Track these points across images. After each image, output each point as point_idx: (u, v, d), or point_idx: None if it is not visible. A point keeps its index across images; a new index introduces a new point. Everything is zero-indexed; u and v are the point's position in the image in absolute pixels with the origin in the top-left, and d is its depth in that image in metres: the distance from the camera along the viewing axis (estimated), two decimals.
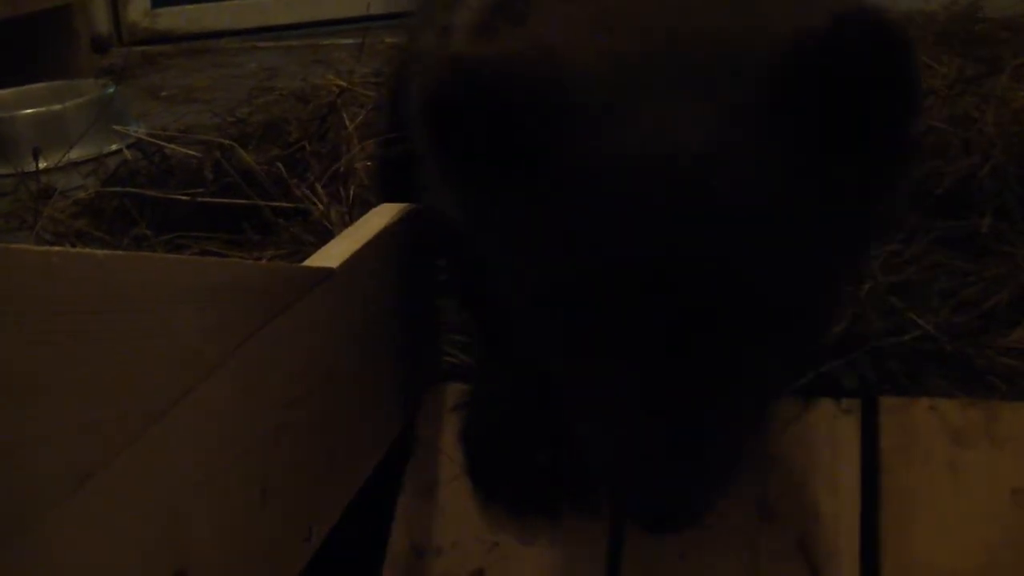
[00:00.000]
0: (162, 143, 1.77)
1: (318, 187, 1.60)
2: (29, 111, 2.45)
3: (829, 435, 1.09)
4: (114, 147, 2.20)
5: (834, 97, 0.76)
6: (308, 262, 1.04)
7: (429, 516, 1.14)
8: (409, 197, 1.24)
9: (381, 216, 1.17)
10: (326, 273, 1.02)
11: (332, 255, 1.06)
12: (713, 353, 0.77)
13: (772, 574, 1.05)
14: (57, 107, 2.42)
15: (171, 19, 4.03)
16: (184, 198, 1.61)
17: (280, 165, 1.63)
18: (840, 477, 1.08)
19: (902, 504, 1.05)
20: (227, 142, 1.69)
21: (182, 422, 0.79)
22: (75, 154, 2.18)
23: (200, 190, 1.62)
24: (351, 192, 1.55)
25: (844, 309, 1.07)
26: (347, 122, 1.77)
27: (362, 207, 1.48)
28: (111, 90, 2.58)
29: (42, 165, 2.01)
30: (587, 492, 1.10)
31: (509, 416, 1.12)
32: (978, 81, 1.60)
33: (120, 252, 0.78)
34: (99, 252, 0.69)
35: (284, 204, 1.58)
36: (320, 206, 1.54)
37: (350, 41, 3.30)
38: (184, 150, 1.73)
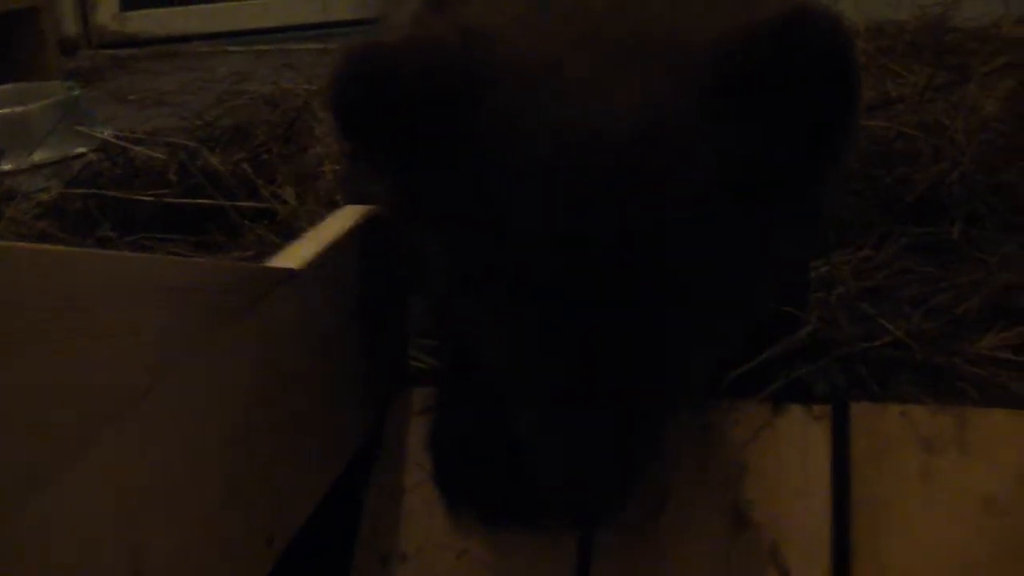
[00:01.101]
0: (127, 144, 1.74)
1: (288, 188, 1.58)
2: None
3: (800, 441, 1.08)
4: (79, 150, 2.17)
5: (770, 88, 0.76)
6: (270, 263, 1.03)
7: (395, 522, 1.12)
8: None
9: (345, 218, 1.16)
10: (288, 274, 1.00)
11: (295, 256, 1.04)
12: (631, 334, 0.77)
13: None
14: (21, 109, 2.38)
15: (140, 22, 4.00)
16: (148, 199, 1.59)
17: (246, 166, 1.61)
18: (811, 484, 1.06)
19: (873, 511, 1.04)
20: (192, 144, 1.66)
21: (141, 424, 0.77)
22: (39, 156, 2.16)
23: (165, 191, 1.60)
24: (319, 193, 1.53)
25: (770, 304, 1.07)
26: (315, 125, 1.75)
27: (330, 208, 1.46)
28: (76, 92, 2.55)
29: (6, 167, 1.98)
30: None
31: (477, 421, 1.11)
32: (948, 89, 1.60)
33: (79, 249, 0.77)
34: (58, 248, 0.67)
35: (249, 204, 1.56)
36: (288, 205, 1.52)
37: (321, 46, 3.28)
38: (149, 152, 1.71)
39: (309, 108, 1.84)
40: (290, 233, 1.47)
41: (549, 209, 0.76)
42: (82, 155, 2.02)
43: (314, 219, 1.49)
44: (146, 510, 0.78)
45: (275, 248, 1.41)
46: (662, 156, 0.76)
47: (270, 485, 0.96)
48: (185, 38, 3.90)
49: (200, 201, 1.59)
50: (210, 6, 4.05)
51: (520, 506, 1.08)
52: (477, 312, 0.86)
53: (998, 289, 1.28)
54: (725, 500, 1.07)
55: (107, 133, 1.92)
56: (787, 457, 1.08)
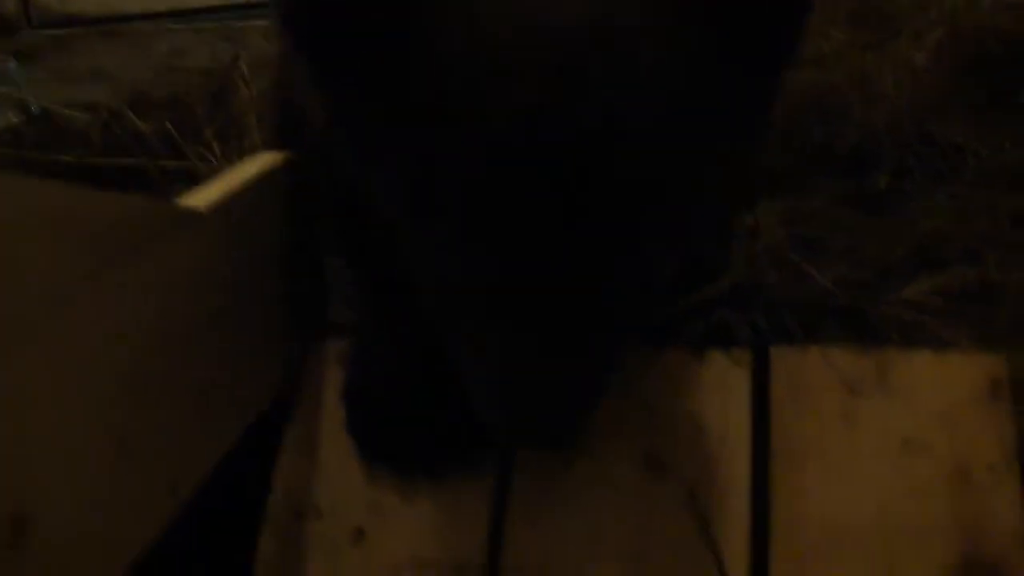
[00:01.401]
0: (48, 105, 1.70)
1: (214, 144, 1.55)
2: None
3: (719, 386, 1.06)
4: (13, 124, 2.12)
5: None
6: (175, 204, 1.00)
7: (309, 476, 1.10)
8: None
9: (258, 163, 1.13)
10: (193, 215, 0.97)
11: (201, 197, 1.01)
12: (589, 238, 0.75)
13: (661, 527, 1.01)
14: None
15: (82, 2, 3.93)
16: (69, 160, 1.55)
17: (170, 125, 1.58)
18: (730, 428, 1.05)
19: (793, 455, 1.03)
20: (116, 104, 1.63)
21: (28, 359, 0.74)
22: None
23: (85, 151, 1.56)
24: (245, 151, 1.50)
25: (706, 234, 1.05)
26: (244, 87, 1.72)
27: None
28: (12, 65, 2.50)
29: None
30: (470, 449, 1.06)
31: (391, 373, 1.08)
32: (879, 44, 1.59)
33: None
34: None
35: (172, 163, 1.52)
36: (211, 163, 1.49)
37: (264, 24, 3.23)
38: (71, 113, 1.67)
39: (237, 66, 1.80)
40: None
41: (503, 106, 0.73)
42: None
43: None
44: (34, 451, 0.75)
45: None
46: (612, 54, 0.74)
47: (171, 434, 0.93)
48: (126, 17, 3.83)
49: (122, 160, 1.55)
50: None
51: (432, 457, 1.06)
52: (425, 232, 0.82)
53: (925, 238, 1.27)
54: (642, 448, 1.05)
55: (27, 95, 1.87)
56: (706, 403, 1.06)
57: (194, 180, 1.54)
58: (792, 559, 0.98)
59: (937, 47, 1.50)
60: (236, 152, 1.58)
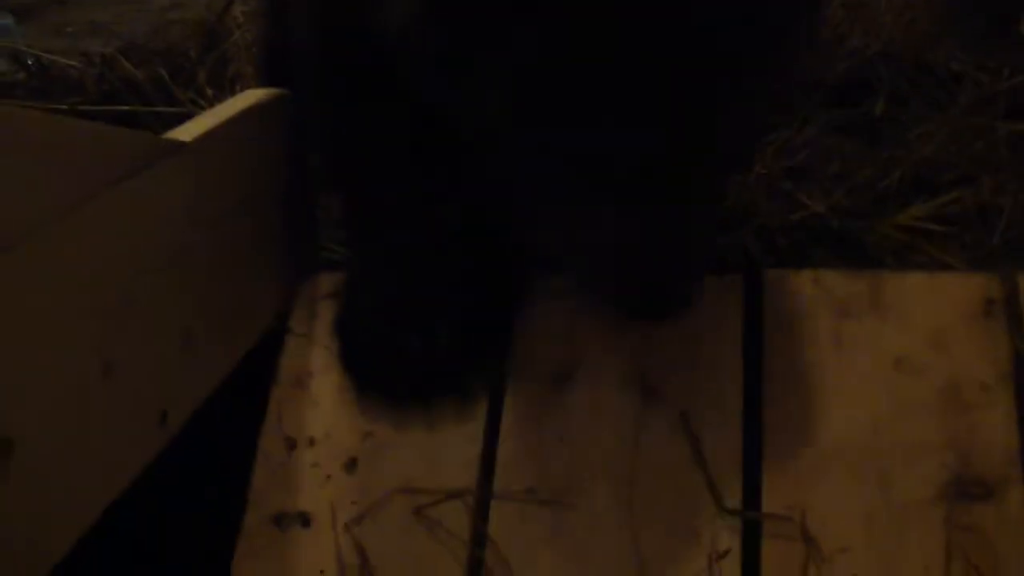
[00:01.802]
0: (40, 54, 1.69)
1: (207, 89, 1.54)
2: None
3: (712, 310, 1.06)
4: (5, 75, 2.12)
5: None
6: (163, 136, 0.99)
7: (302, 407, 1.10)
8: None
9: (245, 99, 1.12)
10: (176, 145, 0.96)
11: (187, 130, 1.01)
12: (700, 121, 0.82)
13: (653, 451, 1.01)
14: None
15: None
16: (62, 108, 1.54)
17: (163, 71, 1.57)
18: (723, 353, 1.05)
19: (786, 377, 1.03)
20: (108, 51, 1.62)
21: (11, 284, 0.73)
22: None
23: (79, 99, 1.55)
24: (236, 92, 1.49)
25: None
26: (237, 31, 1.71)
27: None
28: (7, 21, 2.49)
29: None
30: (460, 378, 1.06)
31: (382, 303, 1.08)
32: None
33: None
34: None
35: (166, 109, 1.52)
36: (205, 106, 1.48)
37: None
38: (65, 61, 1.66)
39: (230, 11, 1.79)
40: None
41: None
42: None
43: None
44: (17, 372, 0.75)
45: None
46: None
47: (160, 360, 0.93)
48: None
49: (116, 107, 1.55)
50: None
51: (423, 385, 1.06)
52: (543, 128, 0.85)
53: (920, 164, 1.26)
54: (634, 372, 1.05)
55: (20, 43, 1.86)
56: (698, 327, 1.06)
57: None
58: (785, 481, 0.98)
59: None
60: (229, 95, 1.57)
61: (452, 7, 0.84)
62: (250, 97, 1.12)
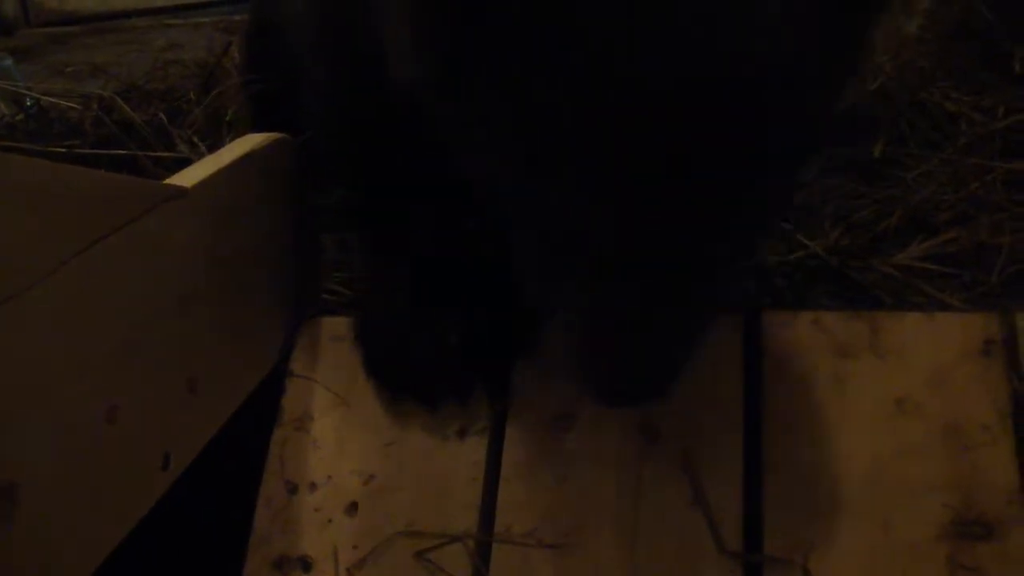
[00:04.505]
0: (39, 96, 1.70)
1: (204, 131, 1.55)
2: None
3: (712, 351, 1.05)
4: (5, 117, 2.13)
5: None
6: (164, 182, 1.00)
7: (303, 450, 1.10)
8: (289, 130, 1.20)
9: (244, 143, 1.13)
10: (178, 191, 0.97)
11: (188, 176, 1.02)
12: (704, 198, 0.73)
13: (654, 493, 1.01)
14: None
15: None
16: (61, 150, 1.55)
17: (162, 115, 1.58)
18: (723, 393, 1.05)
19: (786, 418, 1.03)
20: (107, 94, 1.63)
21: (16, 330, 0.74)
22: None
23: (77, 142, 1.56)
24: (234, 132, 1.50)
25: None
26: (235, 73, 1.72)
27: None
28: (7, 62, 2.50)
29: None
30: (467, 383, 1.09)
31: (395, 312, 1.11)
32: None
33: None
34: None
35: (165, 154, 1.52)
36: (203, 153, 1.49)
37: None
38: (64, 102, 1.67)
39: (228, 54, 1.81)
40: None
41: (634, 53, 0.69)
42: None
43: None
44: (21, 419, 0.75)
45: None
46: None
47: (163, 405, 0.93)
48: (125, 14, 3.84)
49: (114, 151, 1.55)
50: None
51: (430, 390, 1.08)
52: (536, 180, 0.77)
53: (918, 205, 1.27)
54: (635, 414, 1.05)
55: (19, 85, 1.87)
56: (699, 368, 1.05)
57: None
58: (786, 522, 0.98)
59: (928, 15, 1.50)
60: (228, 139, 1.58)
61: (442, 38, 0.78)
62: (249, 142, 1.13)
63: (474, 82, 0.76)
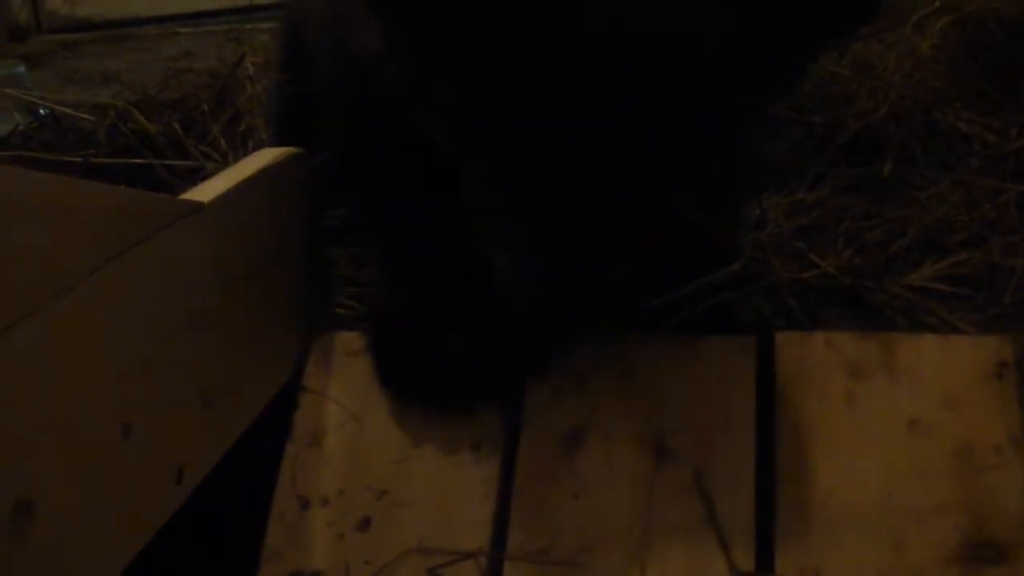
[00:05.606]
0: (53, 105, 1.71)
1: (222, 142, 1.56)
2: None
3: (725, 371, 1.06)
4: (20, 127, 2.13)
5: None
6: (179, 197, 1.00)
7: (316, 465, 1.10)
8: (308, 143, 1.21)
9: (261, 158, 1.14)
10: (194, 206, 0.97)
11: (204, 191, 1.02)
12: (635, 144, 0.84)
13: (667, 512, 1.01)
14: None
15: (91, 6, 3.94)
16: (76, 160, 1.56)
17: (176, 125, 1.58)
18: (736, 413, 1.05)
19: (799, 438, 1.03)
20: (122, 104, 1.63)
21: (26, 345, 0.74)
22: None
23: (92, 151, 1.56)
24: (249, 147, 1.51)
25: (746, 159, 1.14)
26: (249, 86, 1.72)
27: None
28: (20, 69, 2.51)
29: None
30: (498, 382, 1.09)
31: (408, 321, 1.11)
32: (883, 33, 1.59)
33: None
34: None
35: (179, 163, 1.53)
36: (218, 162, 1.49)
37: (271, 26, 3.24)
38: (78, 114, 1.68)
39: (243, 65, 1.81)
40: None
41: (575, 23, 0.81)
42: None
43: None
44: (37, 436, 0.75)
45: None
46: None
47: (177, 421, 0.94)
48: (137, 21, 3.85)
49: (129, 160, 1.56)
50: None
51: (462, 391, 1.10)
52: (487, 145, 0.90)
53: (930, 225, 1.27)
54: (647, 432, 1.05)
55: (33, 95, 1.87)
56: (712, 387, 1.06)
57: (201, 179, 1.54)
58: (798, 542, 0.98)
59: (941, 35, 1.50)
60: (242, 150, 1.58)
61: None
62: (265, 157, 1.14)
63: (419, 40, 0.89)
